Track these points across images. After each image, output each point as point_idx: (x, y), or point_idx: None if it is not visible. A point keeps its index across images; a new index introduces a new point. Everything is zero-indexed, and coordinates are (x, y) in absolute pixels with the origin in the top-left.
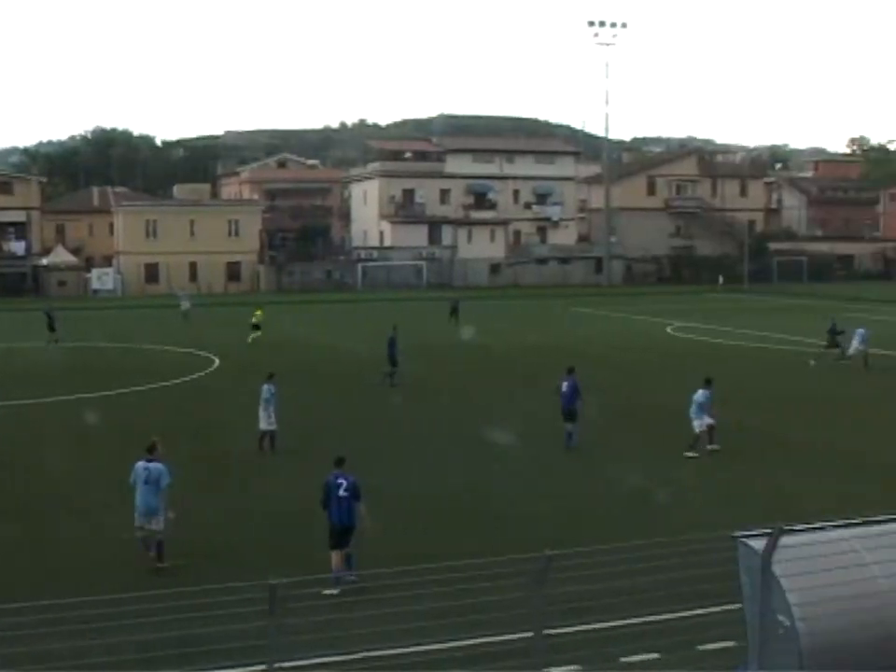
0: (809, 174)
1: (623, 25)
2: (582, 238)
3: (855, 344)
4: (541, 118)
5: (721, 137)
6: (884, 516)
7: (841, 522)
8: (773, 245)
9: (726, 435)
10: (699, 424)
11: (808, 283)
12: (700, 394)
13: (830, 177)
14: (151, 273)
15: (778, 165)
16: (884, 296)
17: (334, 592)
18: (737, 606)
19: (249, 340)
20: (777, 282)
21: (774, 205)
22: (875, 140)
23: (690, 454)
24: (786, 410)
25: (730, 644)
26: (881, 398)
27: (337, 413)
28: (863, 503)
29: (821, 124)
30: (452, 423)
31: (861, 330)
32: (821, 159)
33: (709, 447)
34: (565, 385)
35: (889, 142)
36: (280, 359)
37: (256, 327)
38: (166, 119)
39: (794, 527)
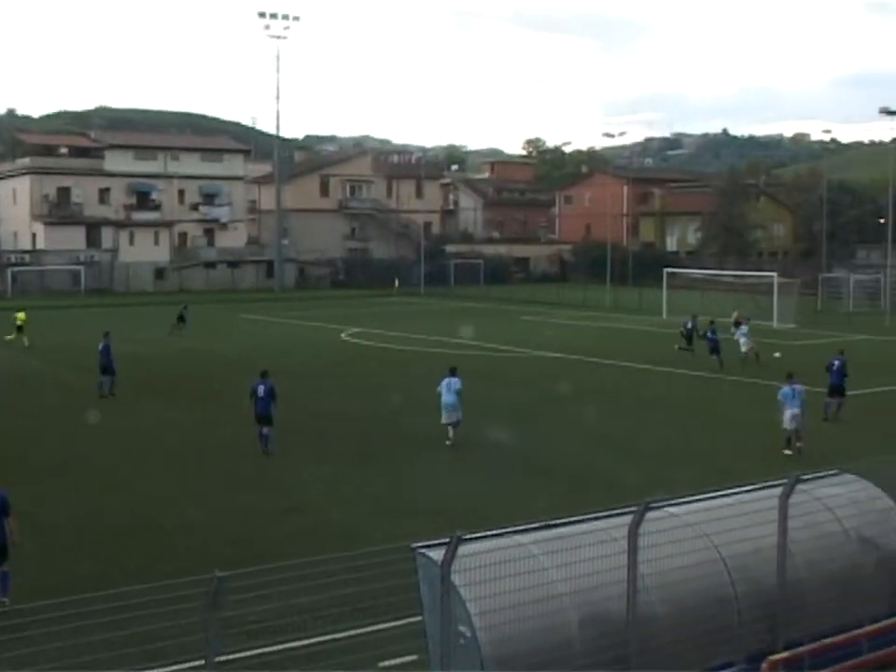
0: (486, 175)
1: (296, 18)
2: (252, 241)
3: (743, 342)
4: (209, 113)
5: (398, 137)
6: (563, 519)
7: (520, 527)
8: (449, 248)
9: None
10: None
11: (485, 285)
12: (447, 382)
13: (505, 179)
14: None
15: (455, 166)
16: (561, 299)
17: None
18: (420, 618)
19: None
20: (454, 285)
21: (450, 207)
22: (550, 142)
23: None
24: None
25: (414, 658)
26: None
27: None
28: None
29: (498, 126)
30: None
31: (744, 328)
32: (497, 160)
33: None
34: (261, 390)
35: (564, 144)
36: None
37: (20, 329)
38: None
39: (473, 535)
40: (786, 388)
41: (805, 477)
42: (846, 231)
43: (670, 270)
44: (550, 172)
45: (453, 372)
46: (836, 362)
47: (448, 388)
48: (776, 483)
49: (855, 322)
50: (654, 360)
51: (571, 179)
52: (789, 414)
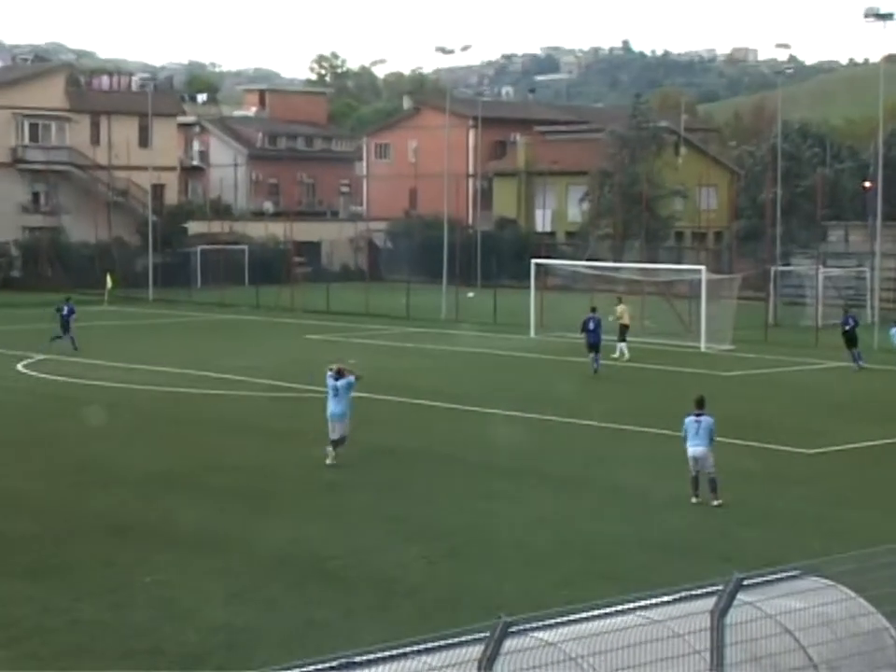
0: (251, 111)
1: None
2: None
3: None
4: None
5: (107, 49)
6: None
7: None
8: (194, 227)
9: None
10: None
11: (252, 286)
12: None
13: (284, 119)
14: None
15: (202, 97)
16: (371, 306)
17: None
18: None
19: None
20: (201, 285)
21: (195, 162)
22: (352, 61)
23: None
24: None
25: None
26: None
27: None
28: None
29: (269, 35)
30: None
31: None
32: (271, 88)
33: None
34: None
35: (375, 64)
36: None
37: None
38: None
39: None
40: (689, 418)
41: (750, 581)
42: (810, 200)
43: (541, 262)
44: (353, 108)
45: (339, 374)
46: (591, 322)
47: (334, 390)
48: (703, 590)
49: (826, 342)
50: (524, 402)
51: (387, 119)
52: (690, 453)
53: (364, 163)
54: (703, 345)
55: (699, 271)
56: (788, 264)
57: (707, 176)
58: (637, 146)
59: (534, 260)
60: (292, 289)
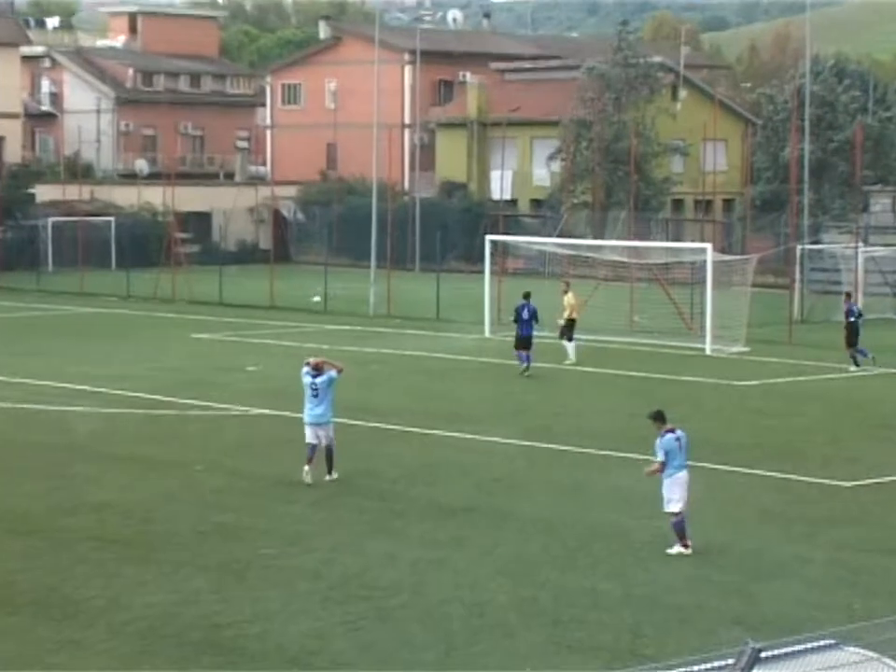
0: (118, 41)
1: None
2: None
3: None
4: None
5: None
6: None
7: None
8: (43, 192)
9: None
10: None
11: (120, 270)
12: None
13: (161, 52)
14: None
15: (53, 21)
16: (280, 297)
17: None
18: None
19: None
20: (52, 267)
21: (45, 107)
22: None
23: None
24: None
25: None
26: None
27: None
28: None
29: None
30: None
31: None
32: (142, 11)
33: None
34: None
35: None
36: None
37: None
38: None
39: None
40: (667, 437)
41: (769, 652)
42: (848, 159)
43: (498, 238)
44: (253, 37)
45: (317, 370)
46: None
47: (312, 388)
48: (708, 664)
49: (869, 342)
50: (473, 420)
51: (297, 53)
52: (681, 479)
53: (268, 110)
54: (708, 347)
55: (704, 250)
56: (818, 242)
57: (713, 128)
58: (624, 88)
59: (489, 237)
60: (174, 274)
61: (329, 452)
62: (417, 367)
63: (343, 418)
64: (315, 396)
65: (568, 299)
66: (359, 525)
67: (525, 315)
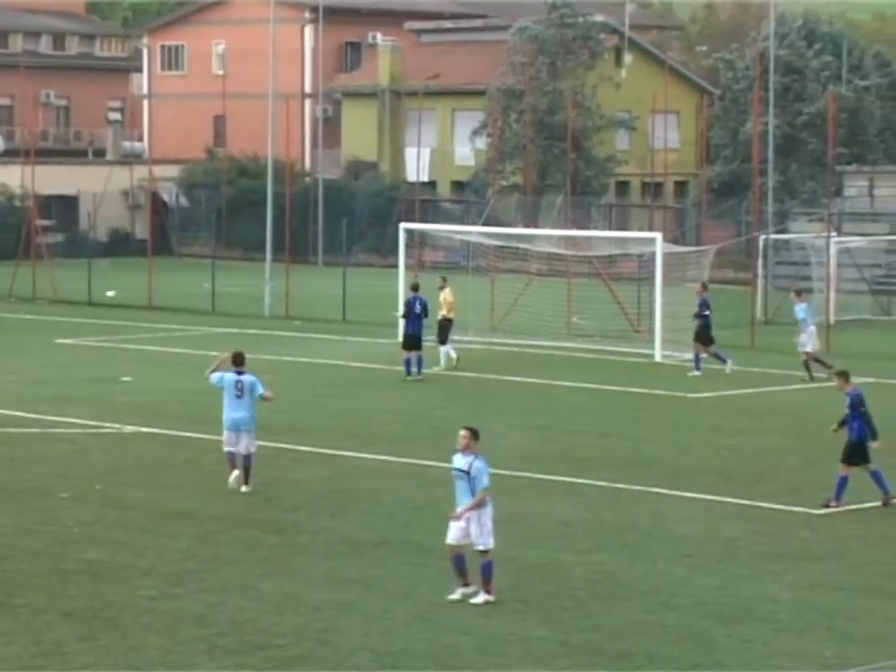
0: None
1: None
2: None
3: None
4: None
5: None
6: None
7: None
8: None
9: None
10: None
11: None
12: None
13: (21, 7)
14: None
15: None
16: (159, 297)
17: None
18: None
19: None
20: None
21: None
22: None
23: None
24: None
25: None
26: None
27: None
28: None
29: None
30: None
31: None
32: None
33: None
34: None
35: None
36: None
37: None
38: None
39: None
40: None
41: None
42: (819, 135)
43: (414, 227)
44: None
45: (240, 374)
46: (417, 303)
47: (237, 386)
48: None
49: (841, 346)
50: (388, 439)
51: (178, 10)
52: None
53: (144, 77)
54: (658, 353)
55: (653, 241)
56: (785, 231)
57: (664, 99)
58: (560, 52)
59: (403, 225)
60: (34, 269)
61: (246, 461)
62: (321, 377)
63: None
64: (239, 397)
65: (445, 295)
66: (254, 563)
67: (418, 308)
